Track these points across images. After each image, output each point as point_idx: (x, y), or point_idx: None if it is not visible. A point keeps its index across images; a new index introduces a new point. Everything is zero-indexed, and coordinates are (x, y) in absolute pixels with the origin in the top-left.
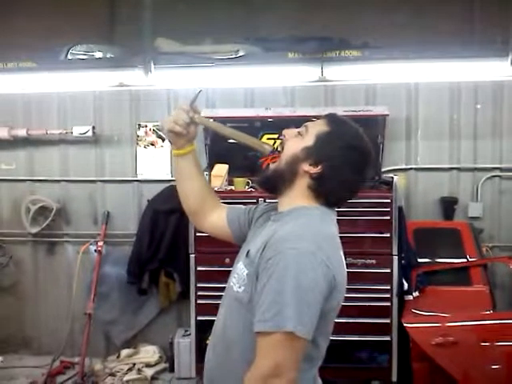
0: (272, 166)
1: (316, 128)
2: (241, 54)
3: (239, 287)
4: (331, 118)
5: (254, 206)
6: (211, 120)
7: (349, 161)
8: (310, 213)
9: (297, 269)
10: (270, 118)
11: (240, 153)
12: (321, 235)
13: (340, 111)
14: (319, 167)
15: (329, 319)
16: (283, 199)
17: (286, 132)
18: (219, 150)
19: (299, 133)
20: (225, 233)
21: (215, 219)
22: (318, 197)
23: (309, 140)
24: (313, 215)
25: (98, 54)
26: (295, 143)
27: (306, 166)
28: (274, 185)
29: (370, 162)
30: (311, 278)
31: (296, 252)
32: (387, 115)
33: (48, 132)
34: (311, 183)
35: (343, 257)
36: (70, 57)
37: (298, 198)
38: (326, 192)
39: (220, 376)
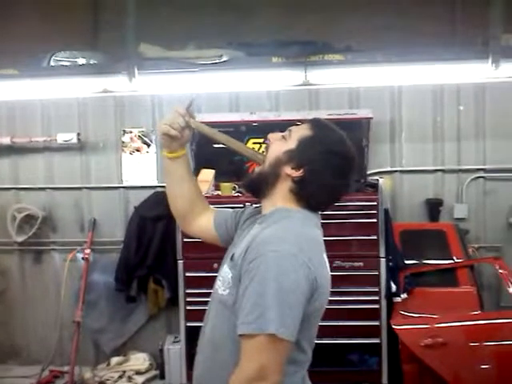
0: (256, 169)
1: (299, 132)
2: (224, 58)
3: (224, 290)
4: (315, 123)
5: (242, 210)
6: (206, 126)
7: (330, 165)
8: (292, 215)
9: (278, 271)
10: (255, 122)
11: (226, 158)
12: (302, 237)
13: (324, 115)
14: (301, 171)
15: (312, 321)
16: (266, 202)
17: (270, 136)
18: (205, 154)
19: (283, 136)
20: (212, 236)
21: (203, 223)
22: (300, 200)
23: (291, 144)
24: (295, 218)
25: (82, 61)
26: (279, 146)
27: (288, 170)
28: (258, 187)
29: (353, 167)
30: (293, 280)
31: (277, 254)
32: (371, 118)
33: (32, 139)
34: (293, 186)
35: (326, 260)
36: (52, 63)
37: (279, 200)
38: (307, 196)
39: (209, 379)
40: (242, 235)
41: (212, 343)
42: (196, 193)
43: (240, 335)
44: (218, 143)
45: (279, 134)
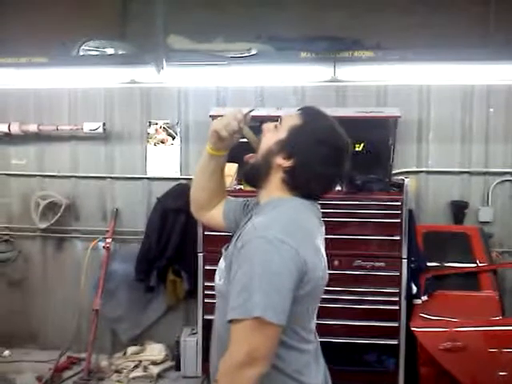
0: (251, 161)
1: (290, 121)
2: (253, 52)
3: (219, 279)
4: (306, 112)
5: (252, 199)
6: (255, 137)
7: (320, 154)
8: (285, 204)
9: (264, 256)
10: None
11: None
12: (292, 223)
13: (351, 112)
14: (291, 161)
15: (306, 306)
16: (262, 192)
17: (264, 126)
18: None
19: (275, 126)
20: (219, 223)
21: (214, 212)
22: (293, 189)
23: (282, 133)
24: (287, 206)
25: (110, 51)
26: (271, 137)
27: (279, 160)
28: (253, 179)
29: (344, 156)
30: (279, 264)
31: (264, 240)
32: (399, 117)
33: (59, 128)
34: (284, 177)
35: (322, 246)
36: (81, 53)
37: (273, 190)
38: (299, 185)
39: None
40: (242, 225)
41: (218, 336)
42: (221, 189)
43: (229, 321)
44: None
45: (272, 124)
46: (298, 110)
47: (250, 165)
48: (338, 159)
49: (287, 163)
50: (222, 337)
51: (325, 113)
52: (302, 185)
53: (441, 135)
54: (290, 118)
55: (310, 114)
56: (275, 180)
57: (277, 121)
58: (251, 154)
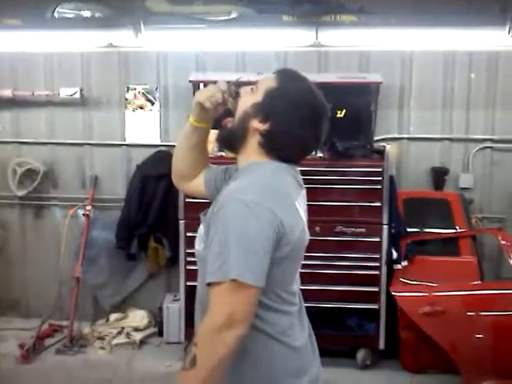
0: (228, 125)
1: (265, 84)
2: (233, 15)
3: (199, 245)
4: (282, 74)
5: (232, 165)
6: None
7: (297, 116)
8: (261, 167)
9: (240, 218)
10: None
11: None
12: (269, 186)
13: (333, 77)
14: (268, 124)
15: (286, 267)
16: (240, 157)
17: (242, 89)
18: None
19: (252, 90)
20: (201, 192)
21: (195, 180)
22: (269, 153)
23: (258, 96)
24: (263, 169)
25: (87, 13)
26: (247, 100)
27: (255, 123)
28: (230, 143)
29: (322, 118)
30: (254, 226)
31: (239, 203)
32: (381, 83)
33: (34, 93)
34: (261, 140)
35: (300, 208)
36: (57, 15)
37: (251, 155)
38: (276, 148)
39: None
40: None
41: (200, 299)
42: (204, 159)
43: (207, 285)
44: None
45: (249, 88)
46: (274, 72)
47: (226, 129)
48: (315, 121)
49: (263, 126)
50: (203, 301)
51: (301, 75)
52: (279, 148)
53: (422, 101)
54: (266, 80)
55: (286, 76)
56: (252, 144)
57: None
58: (229, 119)
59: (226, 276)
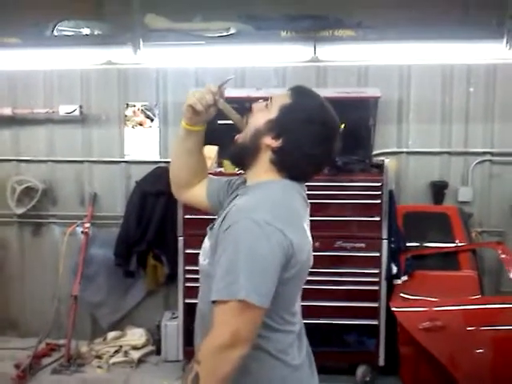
0: (238, 141)
1: (280, 100)
2: (232, 31)
3: (204, 260)
4: (295, 90)
5: (236, 179)
6: (233, 109)
7: (309, 134)
8: (272, 186)
9: (250, 238)
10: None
11: (230, 134)
12: (279, 205)
13: (332, 92)
14: (280, 140)
15: (291, 288)
16: (249, 173)
17: (254, 105)
18: (208, 131)
19: (266, 106)
20: (204, 205)
21: (197, 191)
22: (281, 171)
23: (273, 113)
24: (274, 188)
25: (86, 31)
26: (261, 116)
27: (268, 140)
28: (241, 159)
29: (334, 135)
30: (265, 246)
31: (250, 221)
32: (379, 97)
33: (34, 111)
34: (273, 157)
35: (307, 228)
36: (56, 33)
37: (262, 172)
38: (288, 166)
39: None
40: (226, 205)
41: (201, 315)
42: (201, 168)
43: (213, 302)
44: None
45: (263, 104)
46: (288, 89)
47: (237, 145)
48: (329, 138)
49: (276, 143)
50: (205, 316)
51: (315, 92)
52: (291, 165)
53: (421, 115)
54: (281, 97)
55: (300, 93)
56: (263, 161)
57: (267, 100)
58: (240, 135)
59: (234, 296)
